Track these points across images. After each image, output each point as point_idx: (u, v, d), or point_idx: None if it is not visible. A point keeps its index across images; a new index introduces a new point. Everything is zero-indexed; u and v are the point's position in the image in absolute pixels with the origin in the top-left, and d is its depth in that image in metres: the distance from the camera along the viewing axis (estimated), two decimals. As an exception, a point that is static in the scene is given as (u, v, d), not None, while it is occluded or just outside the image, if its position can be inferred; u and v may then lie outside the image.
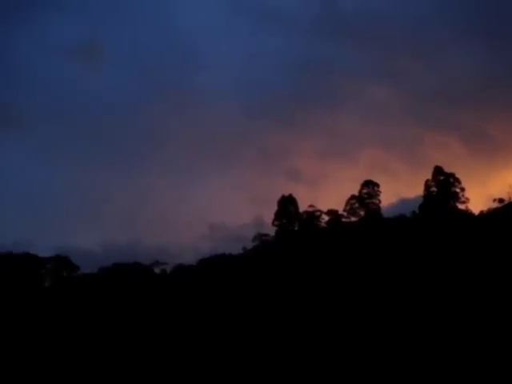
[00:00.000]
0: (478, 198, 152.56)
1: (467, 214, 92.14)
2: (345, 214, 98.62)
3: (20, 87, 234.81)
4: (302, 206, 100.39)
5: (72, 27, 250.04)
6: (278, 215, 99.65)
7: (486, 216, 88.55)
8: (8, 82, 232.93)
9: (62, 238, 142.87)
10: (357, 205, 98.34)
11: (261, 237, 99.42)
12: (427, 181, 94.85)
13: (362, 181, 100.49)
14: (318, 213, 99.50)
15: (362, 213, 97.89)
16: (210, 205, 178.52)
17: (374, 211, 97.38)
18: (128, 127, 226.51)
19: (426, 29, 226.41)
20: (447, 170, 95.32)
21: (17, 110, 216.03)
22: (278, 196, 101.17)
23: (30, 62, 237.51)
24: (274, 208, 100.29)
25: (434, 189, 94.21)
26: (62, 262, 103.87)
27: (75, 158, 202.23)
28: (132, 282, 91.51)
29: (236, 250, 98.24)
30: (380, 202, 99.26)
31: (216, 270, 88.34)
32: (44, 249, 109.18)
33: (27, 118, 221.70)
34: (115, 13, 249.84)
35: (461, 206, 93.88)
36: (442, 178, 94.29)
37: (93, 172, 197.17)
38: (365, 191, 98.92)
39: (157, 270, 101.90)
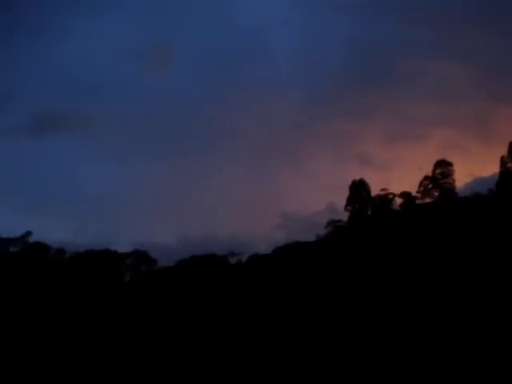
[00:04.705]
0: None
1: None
2: (418, 195, 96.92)
3: (87, 89, 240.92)
4: (374, 190, 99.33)
5: (138, 28, 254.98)
6: (350, 200, 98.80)
7: None
8: (76, 85, 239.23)
9: (140, 233, 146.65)
10: (430, 186, 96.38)
11: (334, 223, 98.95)
12: (503, 157, 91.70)
13: (433, 161, 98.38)
14: (391, 196, 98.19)
15: (437, 193, 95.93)
16: (281, 194, 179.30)
17: (448, 191, 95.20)
18: (197, 123, 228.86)
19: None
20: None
21: (86, 113, 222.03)
22: (349, 182, 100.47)
23: (99, 64, 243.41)
24: (346, 194, 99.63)
25: (510, 165, 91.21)
26: (140, 257, 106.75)
27: (146, 156, 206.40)
28: (209, 273, 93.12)
29: (310, 237, 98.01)
30: (454, 181, 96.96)
31: (291, 257, 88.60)
32: (123, 245, 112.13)
33: (100, 119, 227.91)
34: (180, 12, 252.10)
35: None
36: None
37: (166, 168, 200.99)
38: (438, 171, 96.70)
39: (232, 261, 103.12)
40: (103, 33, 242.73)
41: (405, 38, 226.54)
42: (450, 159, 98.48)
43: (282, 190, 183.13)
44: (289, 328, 69.47)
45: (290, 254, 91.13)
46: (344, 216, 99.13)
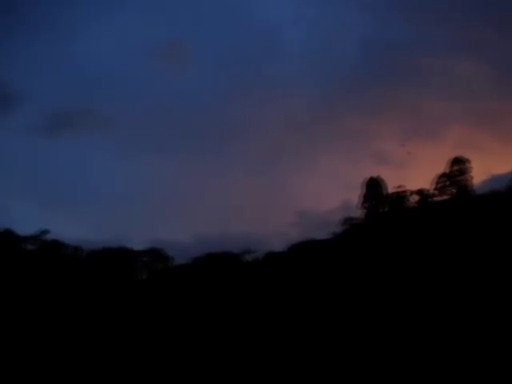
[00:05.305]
0: None
1: None
2: (435, 192, 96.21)
3: (103, 89, 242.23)
4: (390, 188, 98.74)
5: (153, 27, 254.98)
6: (366, 197, 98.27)
7: None
8: (92, 84, 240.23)
9: (156, 231, 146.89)
10: (447, 183, 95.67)
11: (349, 220, 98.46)
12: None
13: (450, 159, 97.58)
14: (407, 193, 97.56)
15: (454, 190, 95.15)
16: (296, 192, 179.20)
17: (465, 188, 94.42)
18: (211, 122, 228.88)
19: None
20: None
21: (102, 111, 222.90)
22: (365, 179, 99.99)
23: (114, 63, 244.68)
24: (361, 191, 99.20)
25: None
26: (156, 255, 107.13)
27: (162, 154, 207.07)
28: (225, 271, 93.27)
29: (325, 234, 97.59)
30: (471, 178, 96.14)
31: (306, 255, 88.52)
32: (139, 242, 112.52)
33: (115, 118, 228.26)
34: (195, 12, 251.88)
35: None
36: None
37: (181, 166, 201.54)
38: (455, 168, 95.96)
39: (248, 258, 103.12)
40: (118, 31, 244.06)
41: (420, 36, 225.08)
42: (466, 156, 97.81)
43: (297, 188, 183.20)
44: (304, 325, 69.40)
45: (305, 251, 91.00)
46: (359, 214, 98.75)
